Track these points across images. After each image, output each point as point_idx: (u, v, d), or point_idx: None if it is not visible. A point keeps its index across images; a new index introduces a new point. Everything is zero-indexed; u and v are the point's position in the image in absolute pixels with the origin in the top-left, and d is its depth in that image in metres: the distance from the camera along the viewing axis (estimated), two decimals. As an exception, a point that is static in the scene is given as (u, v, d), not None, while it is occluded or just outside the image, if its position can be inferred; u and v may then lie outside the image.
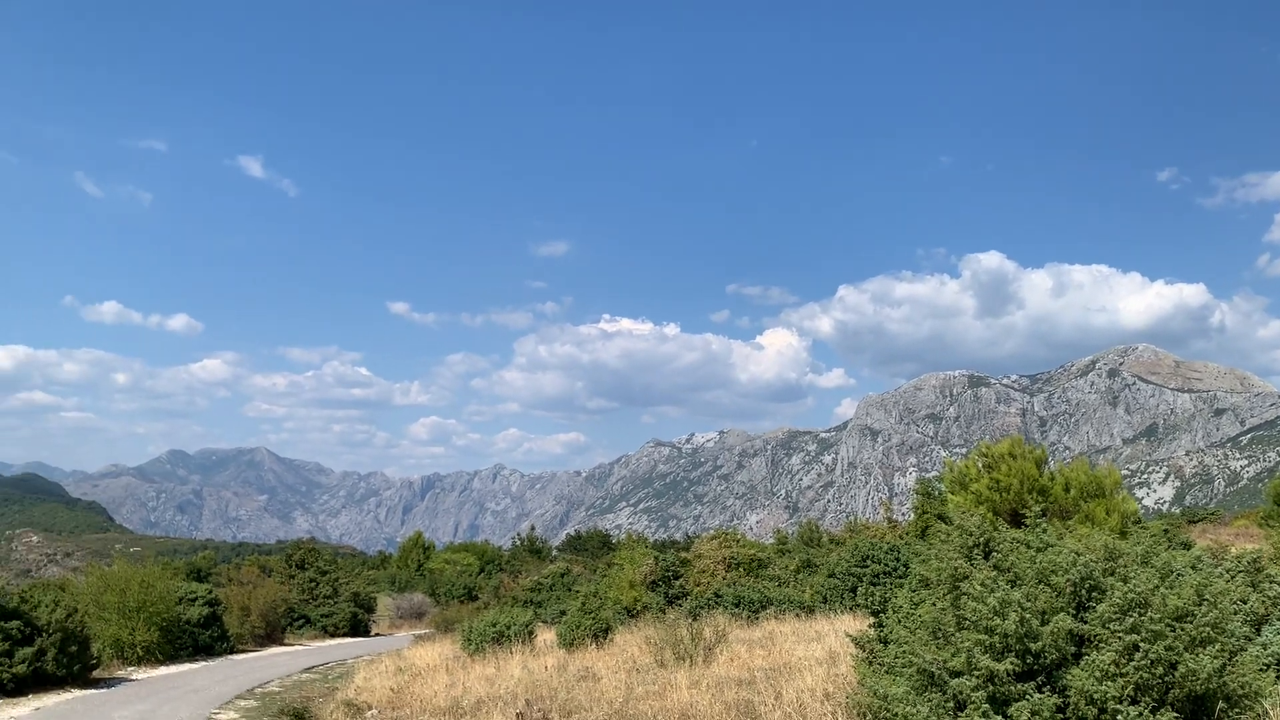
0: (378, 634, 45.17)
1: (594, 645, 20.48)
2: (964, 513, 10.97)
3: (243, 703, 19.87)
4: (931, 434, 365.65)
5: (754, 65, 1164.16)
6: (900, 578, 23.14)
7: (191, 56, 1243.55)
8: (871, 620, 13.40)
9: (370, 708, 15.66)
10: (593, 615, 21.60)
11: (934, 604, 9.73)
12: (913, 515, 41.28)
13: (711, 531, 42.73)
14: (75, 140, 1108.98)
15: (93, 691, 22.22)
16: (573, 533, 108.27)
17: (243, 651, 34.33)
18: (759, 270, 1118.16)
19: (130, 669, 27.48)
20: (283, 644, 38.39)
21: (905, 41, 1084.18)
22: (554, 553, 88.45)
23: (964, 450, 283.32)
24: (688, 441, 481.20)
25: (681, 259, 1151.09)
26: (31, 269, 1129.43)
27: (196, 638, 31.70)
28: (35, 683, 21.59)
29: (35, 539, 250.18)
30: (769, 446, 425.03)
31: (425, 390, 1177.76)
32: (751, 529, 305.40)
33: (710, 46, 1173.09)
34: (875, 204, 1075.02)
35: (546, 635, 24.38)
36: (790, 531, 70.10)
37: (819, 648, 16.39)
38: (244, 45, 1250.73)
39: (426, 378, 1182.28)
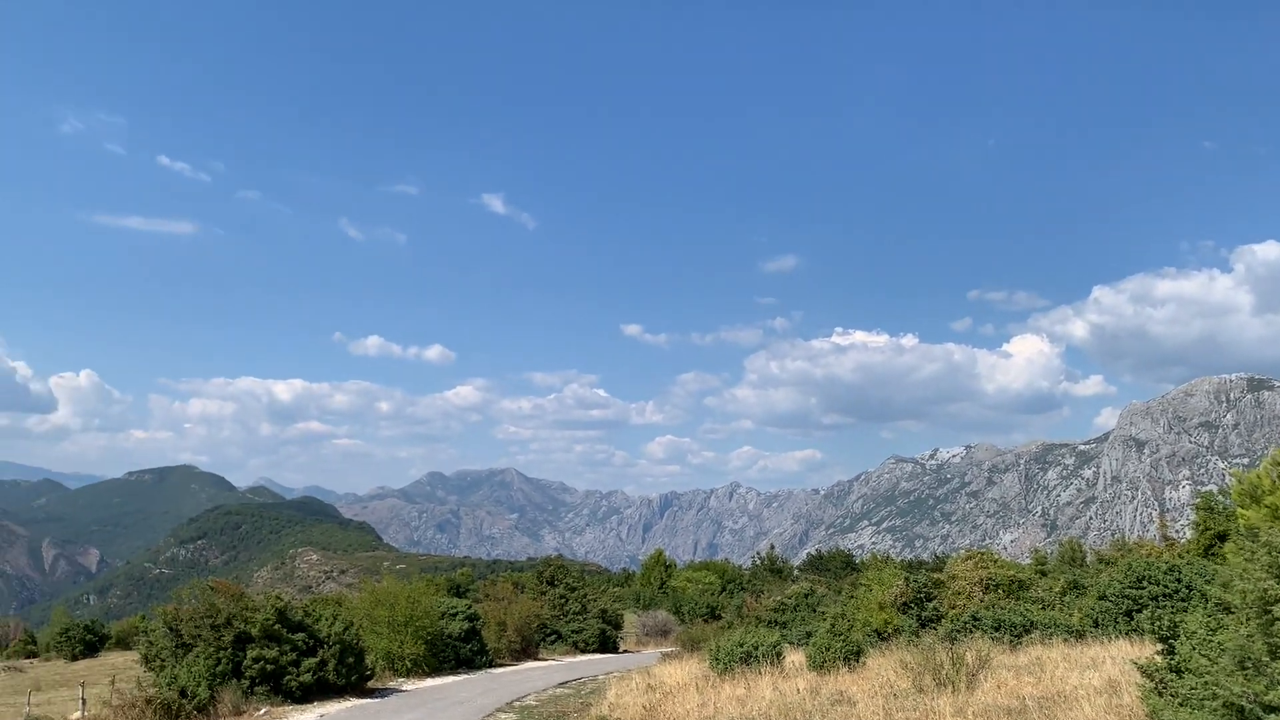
0: (625, 650, 45.99)
1: (845, 668, 19.83)
2: (1270, 529, 9.74)
3: (503, 715, 20.62)
4: (1206, 443, 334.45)
5: (987, 58, 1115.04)
6: (1182, 600, 21.07)
7: (438, 104, 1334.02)
8: (1159, 647, 12.15)
9: (623, 724, 15.80)
10: (843, 637, 20.93)
11: (1238, 629, 8.66)
12: (1191, 532, 37.73)
13: (964, 551, 40.75)
14: (338, 189, 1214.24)
15: (368, 700, 23.75)
16: (813, 552, 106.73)
17: (500, 665, 35.82)
18: (1003, 274, 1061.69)
19: (400, 680, 29.23)
20: (537, 658, 39.77)
21: (1154, 21, 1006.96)
22: (795, 572, 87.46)
23: (1246, 461, 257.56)
24: (931, 457, 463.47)
25: (917, 267, 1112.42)
26: (306, 309, 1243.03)
27: (458, 651, 33.35)
28: (319, 691, 23.35)
29: (315, 557, 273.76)
30: (1021, 461, 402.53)
31: (659, 409, 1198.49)
32: (1005, 549, 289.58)
33: (938, 43, 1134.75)
34: (1129, 197, 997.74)
35: (794, 657, 23.88)
36: (1049, 551, 65.91)
37: (1096, 675, 15.09)
38: (483, 91, 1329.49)
39: (660, 397, 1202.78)
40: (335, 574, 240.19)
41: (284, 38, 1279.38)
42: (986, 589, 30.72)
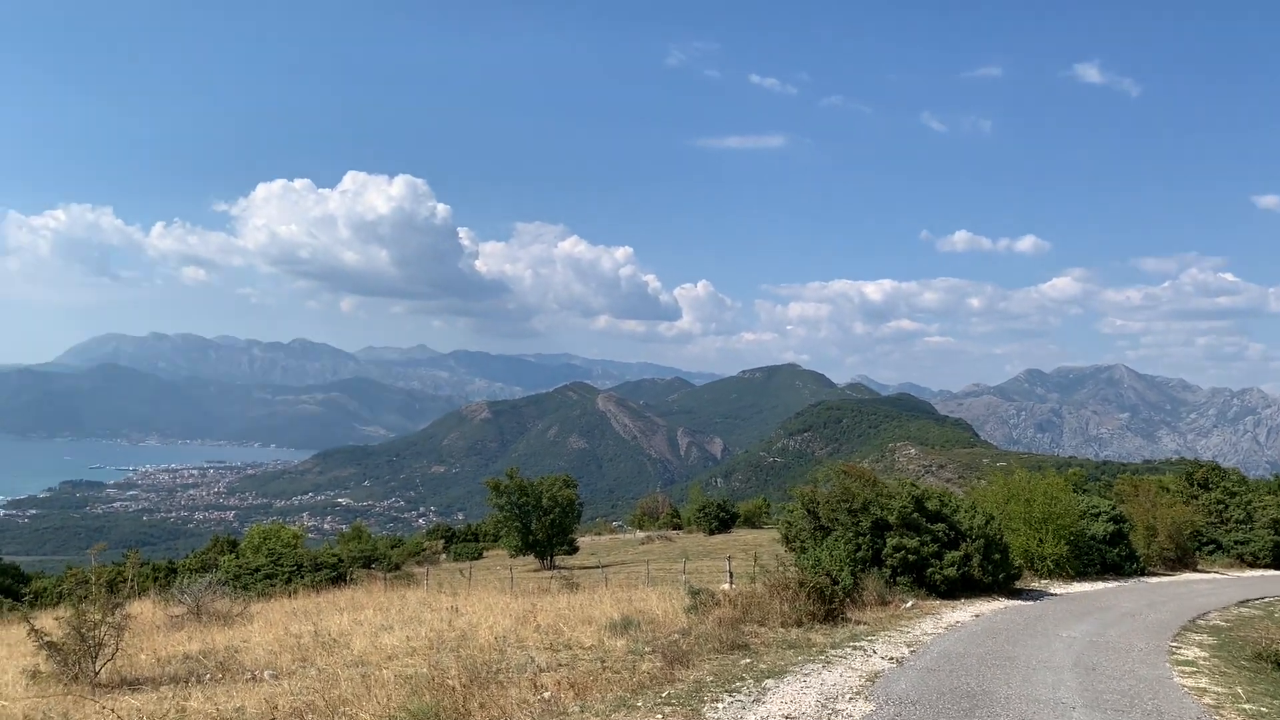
0: (1308, 570, 38.42)
1: None
2: None
3: (1194, 636, 17.29)
4: None
5: None
6: None
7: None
8: None
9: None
10: None
11: None
12: None
13: None
14: (918, 81, 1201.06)
15: (1022, 603, 21.67)
16: None
17: (1152, 575, 31.64)
18: None
19: (1044, 582, 26.80)
20: (1194, 569, 34.70)
21: None
22: None
23: None
24: None
25: None
26: (891, 208, 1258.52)
27: (1104, 555, 29.93)
28: (963, 587, 21.76)
29: (913, 451, 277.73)
30: None
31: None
32: None
33: None
34: None
35: None
36: None
37: None
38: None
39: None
40: (934, 468, 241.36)
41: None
42: None
